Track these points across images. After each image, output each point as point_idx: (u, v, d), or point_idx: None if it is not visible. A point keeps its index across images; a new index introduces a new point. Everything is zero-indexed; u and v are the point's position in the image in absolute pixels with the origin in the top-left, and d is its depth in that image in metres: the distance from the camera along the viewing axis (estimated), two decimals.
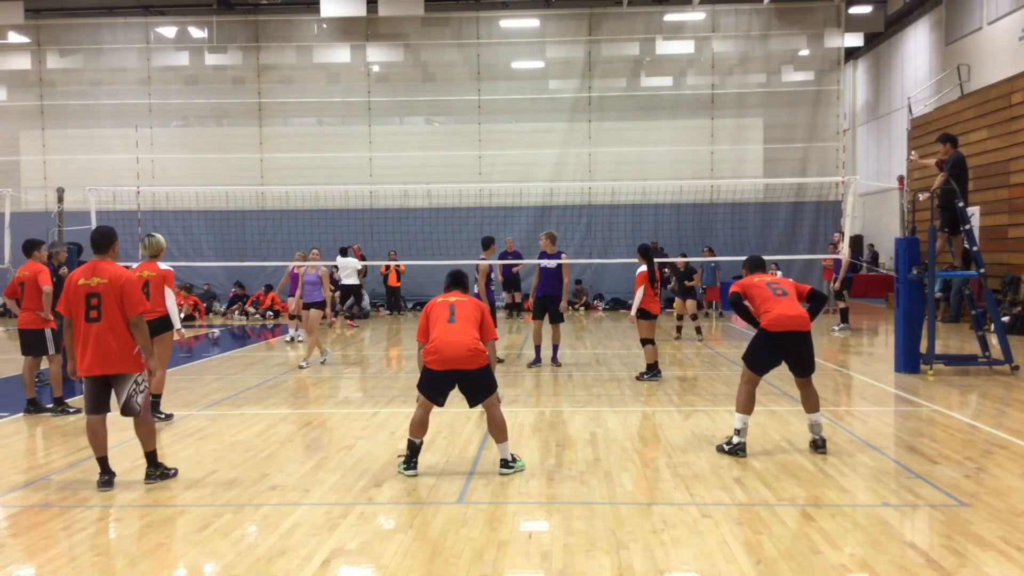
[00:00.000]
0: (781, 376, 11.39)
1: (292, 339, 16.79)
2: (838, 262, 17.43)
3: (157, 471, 6.75)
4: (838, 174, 24.56)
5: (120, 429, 8.83)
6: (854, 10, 25.79)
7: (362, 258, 23.25)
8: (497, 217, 24.65)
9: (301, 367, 12.63)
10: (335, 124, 26.83)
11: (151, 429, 6.75)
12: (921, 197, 12.75)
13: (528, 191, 24.44)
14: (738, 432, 7.36)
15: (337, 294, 20.62)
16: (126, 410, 6.57)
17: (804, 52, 26.16)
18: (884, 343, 15.89)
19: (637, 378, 11.58)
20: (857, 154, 29.97)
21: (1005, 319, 15.26)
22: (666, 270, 23.42)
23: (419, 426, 6.89)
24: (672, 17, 25.92)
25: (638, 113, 25.96)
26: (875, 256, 25.47)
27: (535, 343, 13.12)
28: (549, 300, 12.85)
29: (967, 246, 12.09)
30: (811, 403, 7.46)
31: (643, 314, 11.54)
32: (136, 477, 6.87)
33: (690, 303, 16.41)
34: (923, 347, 11.75)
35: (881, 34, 27.50)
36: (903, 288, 11.85)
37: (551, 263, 12.87)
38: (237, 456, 7.48)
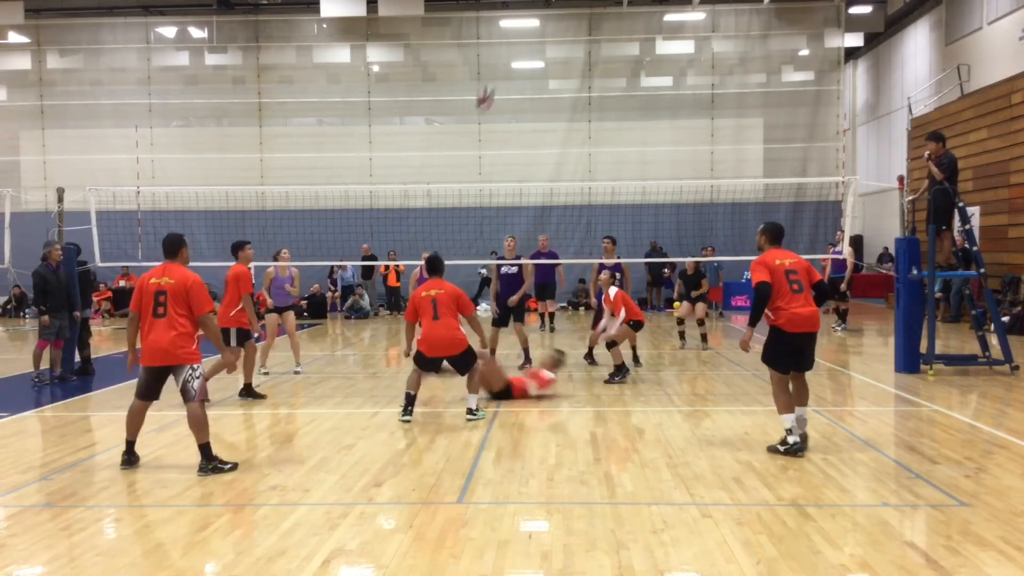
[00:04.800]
0: None
1: None
2: (835, 262, 17.35)
3: (210, 464, 6.95)
4: (838, 174, 24.58)
5: (121, 428, 8.85)
6: (854, 10, 25.80)
7: (372, 258, 23.25)
8: (497, 217, 24.66)
9: (296, 372, 12.57)
10: (335, 124, 26.84)
11: (201, 421, 6.99)
12: (907, 199, 12.80)
13: (528, 191, 24.45)
14: (789, 432, 7.25)
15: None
16: (184, 395, 7.05)
17: (804, 52, 26.17)
18: (884, 343, 15.88)
19: (606, 381, 11.26)
20: (857, 154, 29.98)
21: (1005, 319, 15.25)
22: (665, 270, 23.42)
23: (415, 382, 8.89)
24: (672, 17, 25.93)
25: (638, 113, 25.98)
26: (890, 258, 25.30)
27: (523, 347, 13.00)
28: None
29: (967, 246, 12.08)
30: (802, 397, 7.41)
31: (635, 325, 11.52)
32: (134, 477, 6.88)
33: (699, 306, 15.02)
34: (923, 347, 11.75)
35: (881, 34, 27.51)
36: (903, 288, 11.84)
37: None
38: (237, 456, 7.48)
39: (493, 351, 12.83)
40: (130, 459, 7.16)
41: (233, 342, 10.17)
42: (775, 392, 7.38)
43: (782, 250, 7.53)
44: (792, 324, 7.18)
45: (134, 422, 7.22)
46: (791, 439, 7.25)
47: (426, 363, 8.93)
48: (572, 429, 8.57)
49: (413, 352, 8.99)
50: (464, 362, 8.96)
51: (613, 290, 11.51)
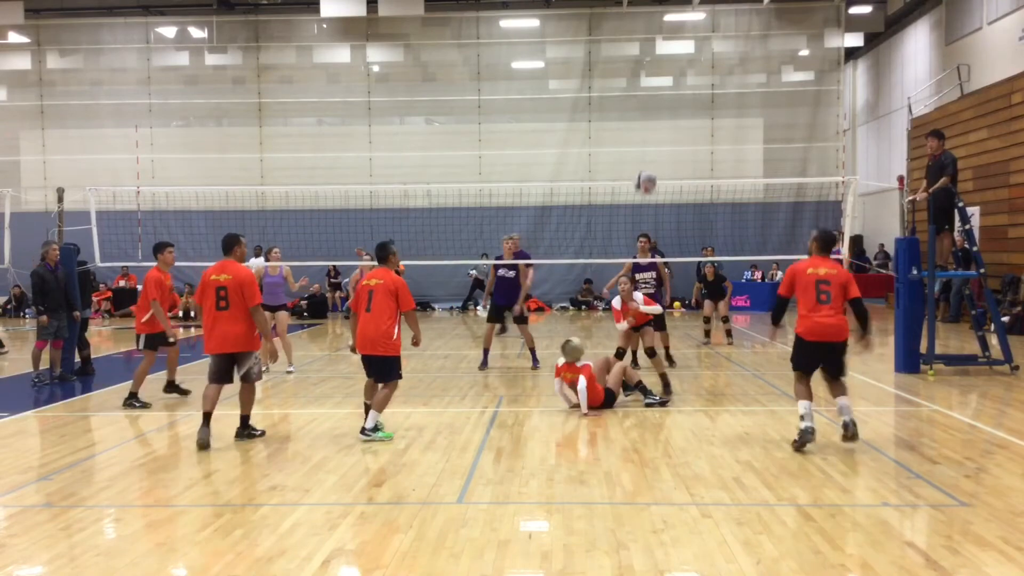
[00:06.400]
0: (781, 376, 11.41)
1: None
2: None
3: (245, 431, 8.07)
4: (838, 174, 24.56)
5: (121, 428, 8.84)
6: (854, 10, 25.80)
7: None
8: (497, 217, 24.65)
9: (289, 372, 12.58)
10: (335, 124, 26.84)
11: (251, 398, 8.10)
12: (918, 198, 12.73)
13: (528, 191, 24.44)
14: (801, 418, 7.43)
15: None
16: (245, 377, 8.04)
17: (804, 52, 26.17)
18: (884, 343, 15.87)
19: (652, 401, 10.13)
20: (857, 154, 29.97)
21: (1005, 319, 15.25)
22: (666, 270, 23.35)
23: (369, 390, 8.24)
24: (672, 17, 25.93)
25: (638, 113, 25.97)
26: (887, 256, 25.36)
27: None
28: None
29: (967, 246, 12.07)
30: (836, 391, 7.58)
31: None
32: (134, 477, 6.88)
33: (722, 305, 15.50)
34: (923, 347, 11.74)
35: (881, 34, 27.50)
36: (903, 288, 11.84)
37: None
38: (237, 456, 7.48)
39: (487, 350, 12.92)
40: (205, 429, 7.78)
41: (141, 345, 10.09)
42: (794, 382, 7.70)
43: (826, 259, 7.59)
44: (810, 333, 7.41)
45: (209, 400, 7.91)
46: (802, 424, 7.40)
47: (364, 363, 8.15)
48: (572, 429, 8.56)
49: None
50: (384, 371, 7.98)
51: (639, 295, 10.69)
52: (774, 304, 7.71)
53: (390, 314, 7.86)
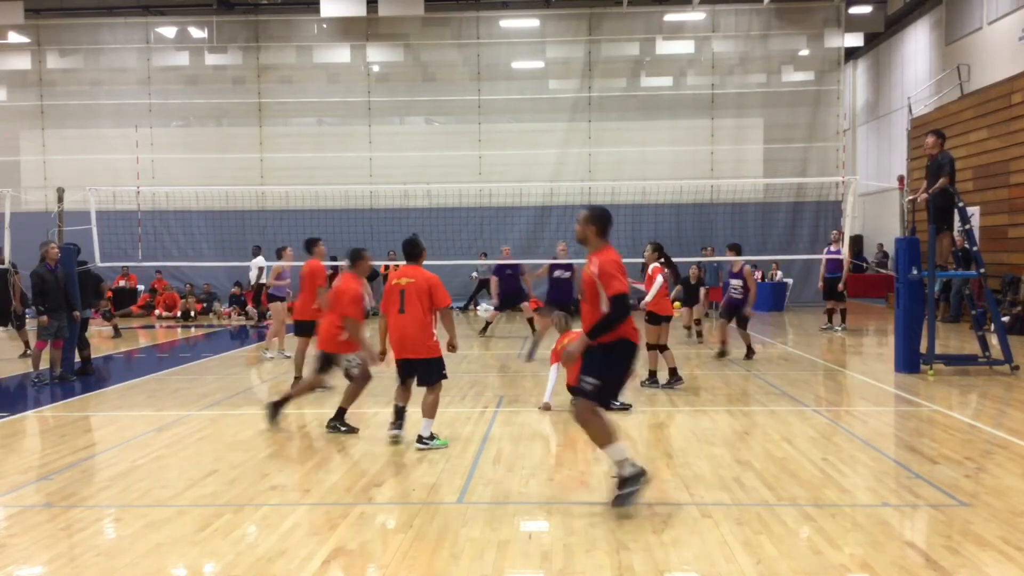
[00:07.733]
0: (781, 376, 11.42)
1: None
2: (830, 262, 17.38)
3: (333, 421, 8.46)
4: (838, 174, 24.56)
5: (121, 428, 8.85)
6: (854, 10, 25.79)
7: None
8: (497, 217, 24.66)
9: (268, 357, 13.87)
10: (335, 124, 26.83)
11: (353, 393, 8.50)
12: (919, 199, 12.72)
13: (528, 191, 24.44)
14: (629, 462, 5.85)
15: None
16: (347, 376, 8.67)
17: (804, 52, 26.17)
18: (884, 343, 15.88)
19: (665, 386, 10.72)
20: (857, 154, 29.98)
21: (1005, 319, 15.24)
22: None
23: (400, 394, 7.92)
24: (672, 17, 25.92)
25: (638, 113, 25.97)
26: (885, 255, 25.38)
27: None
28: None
29: (967, 246, 12.06)
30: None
31: (652, 318, 10.83)
32: (134, 477, 6.88)
33: (696, 307, 16.24)
34: (923, 347, 11.74)
35: (881, 34, 27.51)
36: (903, 288, 11.84)
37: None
38: (237, 456, 7.48)
39: (537, 343, 13.27)
40: (341, 425, 8.49)
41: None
42: (598, 425, 5.82)
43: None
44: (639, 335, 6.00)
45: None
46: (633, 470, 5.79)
47: (399, 368, 7.78)
48: (572, 429, 8.53)
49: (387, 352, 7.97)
50: (427, 374, 7.62)
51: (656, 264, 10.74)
52: (621, 311, 5.64)
53: (424, 313, 7.49)
